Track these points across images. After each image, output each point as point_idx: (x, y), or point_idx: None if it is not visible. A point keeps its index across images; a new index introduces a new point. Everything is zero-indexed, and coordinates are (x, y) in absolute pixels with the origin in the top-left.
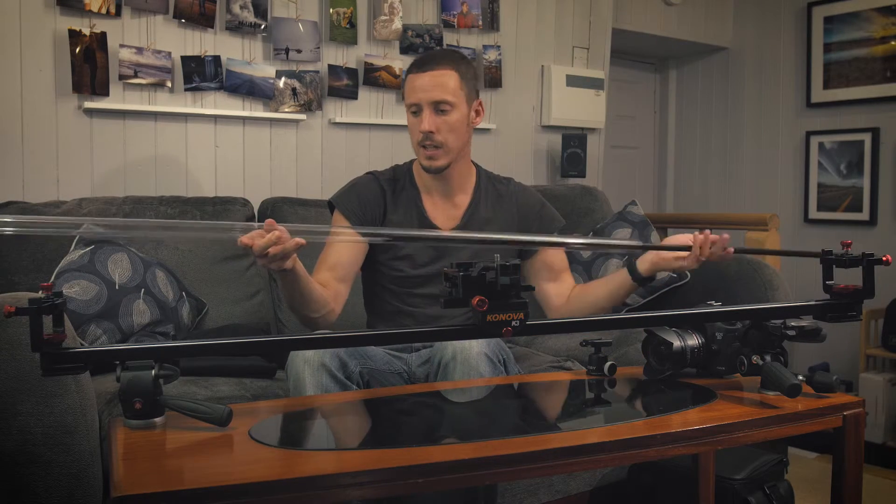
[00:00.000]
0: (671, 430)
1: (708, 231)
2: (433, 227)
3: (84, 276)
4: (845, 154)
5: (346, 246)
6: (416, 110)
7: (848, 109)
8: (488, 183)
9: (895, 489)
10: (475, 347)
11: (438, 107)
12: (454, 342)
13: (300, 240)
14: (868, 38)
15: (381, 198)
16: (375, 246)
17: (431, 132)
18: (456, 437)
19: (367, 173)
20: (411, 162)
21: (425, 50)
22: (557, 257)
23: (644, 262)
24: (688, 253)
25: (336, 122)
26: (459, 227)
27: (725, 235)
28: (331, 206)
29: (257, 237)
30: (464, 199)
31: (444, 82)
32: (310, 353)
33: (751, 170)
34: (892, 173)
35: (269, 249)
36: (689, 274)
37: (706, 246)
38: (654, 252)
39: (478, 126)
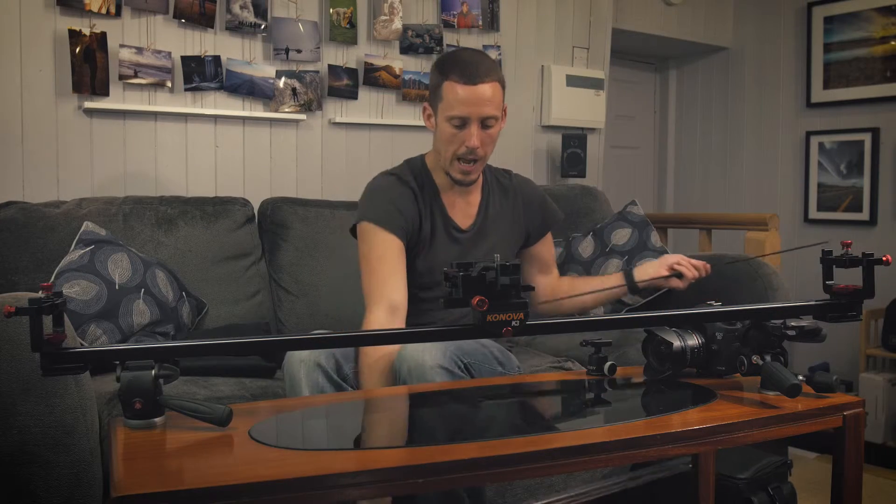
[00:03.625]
0: (671, 430)
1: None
2: (456, 227)
3: (84, 276)
4: (845, 154)
5: (402, 253)
6: (460, 124)
7: (848, 109)
8: (493, 177)
9: (895, 489)
10: (428, 362)
11: (486, 122)
12: (409, 356)
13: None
14: (868, 38)
15: (415, 203)
16: (409, 251)
17: (477, 147)
18: (456, 438)
19: (388, 175)
20: (422, 158)
21: (425, 50)
22: (550, 250)
23: (642, 275)
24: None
25: (336, 122)
26: (475, 226)
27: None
28: (353, 227)
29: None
30: (476, 197)
31: (492, 97)
32: (305, 354)
33: (751, 170)
34: (892, 173)
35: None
36: None
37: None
38: (654, 269)
39: None
